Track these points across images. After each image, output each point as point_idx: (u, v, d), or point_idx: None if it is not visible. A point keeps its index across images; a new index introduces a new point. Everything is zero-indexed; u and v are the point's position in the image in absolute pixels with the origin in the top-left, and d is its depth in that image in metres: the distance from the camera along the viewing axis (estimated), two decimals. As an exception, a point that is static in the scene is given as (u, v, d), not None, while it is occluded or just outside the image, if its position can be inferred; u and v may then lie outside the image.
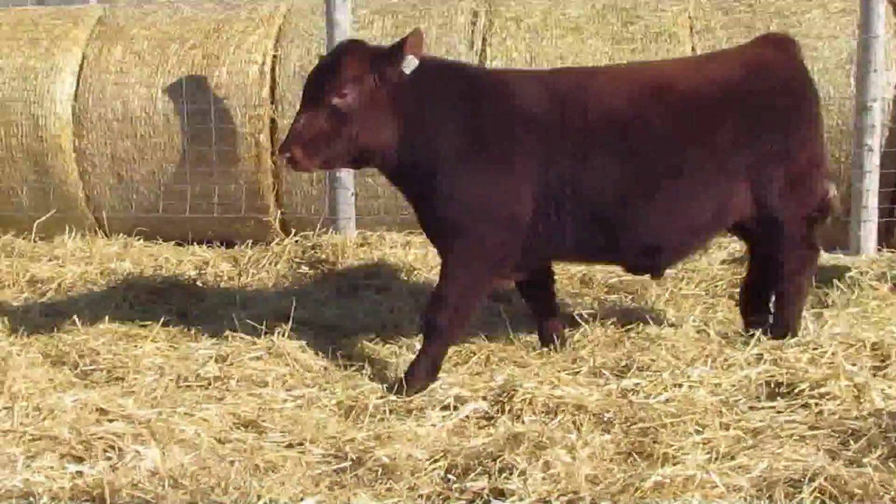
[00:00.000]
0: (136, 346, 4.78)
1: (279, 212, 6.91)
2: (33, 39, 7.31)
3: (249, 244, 6.59)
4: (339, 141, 4.43)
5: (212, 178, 6.81)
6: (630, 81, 4.86)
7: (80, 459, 3.52)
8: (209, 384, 4.28)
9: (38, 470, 3.41)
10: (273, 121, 6.80)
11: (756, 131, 4.72)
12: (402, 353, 4.71)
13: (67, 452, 3.56)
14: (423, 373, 4.36)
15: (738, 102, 4.74)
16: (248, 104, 6.78)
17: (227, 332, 4.88)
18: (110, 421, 3.82)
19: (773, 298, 4.96)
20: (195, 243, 6.84)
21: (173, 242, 6.85)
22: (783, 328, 4.78)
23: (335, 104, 4.36)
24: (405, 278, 5.94)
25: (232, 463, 3.49)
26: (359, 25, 6.72)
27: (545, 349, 4.80)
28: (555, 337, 4.84)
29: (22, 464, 3.46)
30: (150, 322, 5.12)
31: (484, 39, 6.82)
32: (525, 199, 4.53)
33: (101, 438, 3.61)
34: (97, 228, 7.14)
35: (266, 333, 4.79)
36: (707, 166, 4.66)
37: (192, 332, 5.08)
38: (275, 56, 6.91)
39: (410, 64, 4.38)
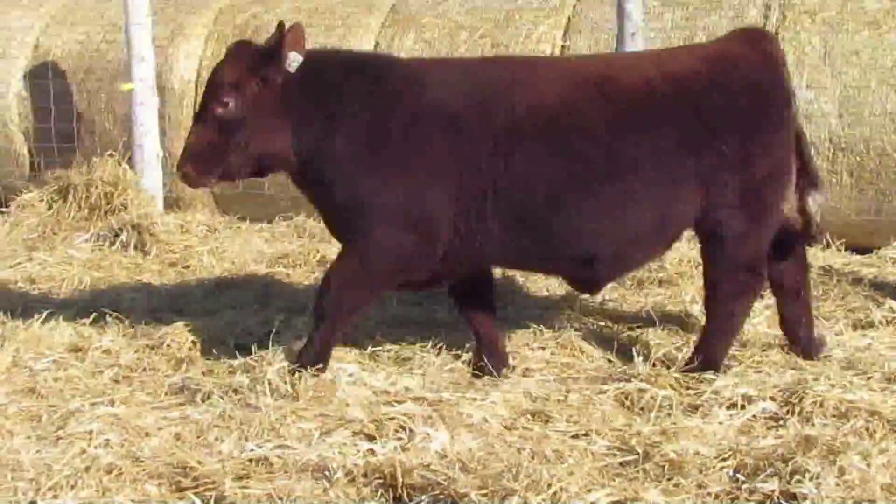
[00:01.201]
0: (422, 330, 4.92)
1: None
2: (329, 27, 7.74)
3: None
4: (229, 152, 4.28)
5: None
6: (570, 74, 4.54)
7: (371, 438, 3.65)
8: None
9: (332, 445, 3.56)
10: (561, 112, 7.03)
11: (708, 133, 4.34)
12: (687, 346, 4.59)
13: (360, 430, 3.69)
14: (310, 357, 4.19)
15: (691, 101, 4.38)
16: (535, 94, 7.04)
17: (514, 320, 5.01)
18: (399, 402, 3.93)
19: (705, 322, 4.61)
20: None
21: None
22: (701, 359, 4.31)
23: (218, 114, 4.23)
24: (690, 272, 5.74)
25: (520, 450, 3.53)
26: (649, 17, 6.68)
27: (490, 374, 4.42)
28: (492, 354, 4.45)
29: (317, 439, 3.63)
30: (436, 307, 5.31)
31: (776, 33, 6.60)
32: (439, 200, 4.25)
33: (392, 419, 3.73)
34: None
35: (551, 323, 4.91)
36: (650, 170, 4.31)
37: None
38: (563, 46, 7.05)
39: (294, 61, 4.22)
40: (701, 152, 4.32)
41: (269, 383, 4.07)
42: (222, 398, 4.08)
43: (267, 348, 4.53)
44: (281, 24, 4.27)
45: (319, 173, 4.34)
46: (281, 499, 3.30)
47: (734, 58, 4.54)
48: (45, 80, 8.41)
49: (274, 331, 4.81)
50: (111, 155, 7.53)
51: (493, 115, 4.31)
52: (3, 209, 7.87)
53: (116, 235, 6.77)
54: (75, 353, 4.87)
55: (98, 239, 6.85)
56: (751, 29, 5.15)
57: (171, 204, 7.79)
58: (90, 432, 3.83)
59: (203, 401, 4.11)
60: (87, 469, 3.51)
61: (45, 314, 5.21)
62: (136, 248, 6.64)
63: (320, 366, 4.21)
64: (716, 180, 4.32)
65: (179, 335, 4.92)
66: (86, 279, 6.17)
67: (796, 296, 4.63)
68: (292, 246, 6.84)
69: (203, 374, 4.49)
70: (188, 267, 6.43)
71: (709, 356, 4.36)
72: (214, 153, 4.29)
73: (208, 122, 4.28)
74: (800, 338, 4.60)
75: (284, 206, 7.61)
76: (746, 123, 4.39)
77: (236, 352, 4.69)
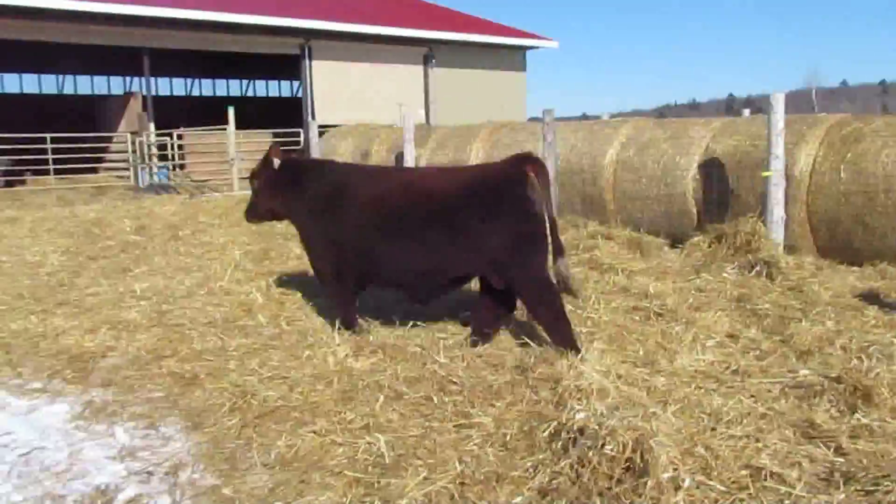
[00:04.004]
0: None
1: None
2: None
3: None
4: (257, 207, 6.15)
5: None
6: (399, 180, 5.52)
7: None
8: None
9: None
10: None
11: (470, 217, 5.05)
12: None
13: None
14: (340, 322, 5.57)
15: (459, 201, 5.11)
16: None
17: None
18: None
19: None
20: None
21: None
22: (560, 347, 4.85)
23: (253, 188, 6.16)
24: None
25: None
26: None
27: None
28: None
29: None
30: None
31: None
32: (332, 248, 5.57)
33: None
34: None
35: None
36: (430, 239, 5.15)
37: None
38: None
39: (275, 163, 5.87)
40: (466, 227, 5.06)
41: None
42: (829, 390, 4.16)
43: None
44: (273, 144, 6.04)
45: (295, 224, 5.99)
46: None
47: (495, 174, 5.20)
48: (711, 168, 9.21)
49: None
50: (751, 216, 8.22)
51: (359, 201, 5.46)
52: (680, 245, 8.59)
53: (752, 267, 7.31)
54: (731, 337, 5.42)
55: (740, 268, 7.38)
56: (523, 154, 5.30)
57: (789, 250, 8.10)
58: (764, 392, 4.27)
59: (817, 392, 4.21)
60: (747, 413, 4.02)
61: (710, 313, 5.91)
62: (766, 276, 7.13)
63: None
64: (477, 244, 5.05)
65: (804, 333, 5.39)
66: (735, 293, 6.59)
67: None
68: (877, 284, 6.96)
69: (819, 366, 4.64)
70: (802, 291, 6.68)
71: (561, 344, 4.90)
72: (253, 207, 6.15)
73: (253, 192, 6.13)
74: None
75: (870, 255, 7.79)
76: (494, 213, 5.01)
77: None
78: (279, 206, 5.90)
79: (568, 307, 5.92)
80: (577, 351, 4.72)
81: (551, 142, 10.59)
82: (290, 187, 5.78)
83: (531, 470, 3.44)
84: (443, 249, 5.10)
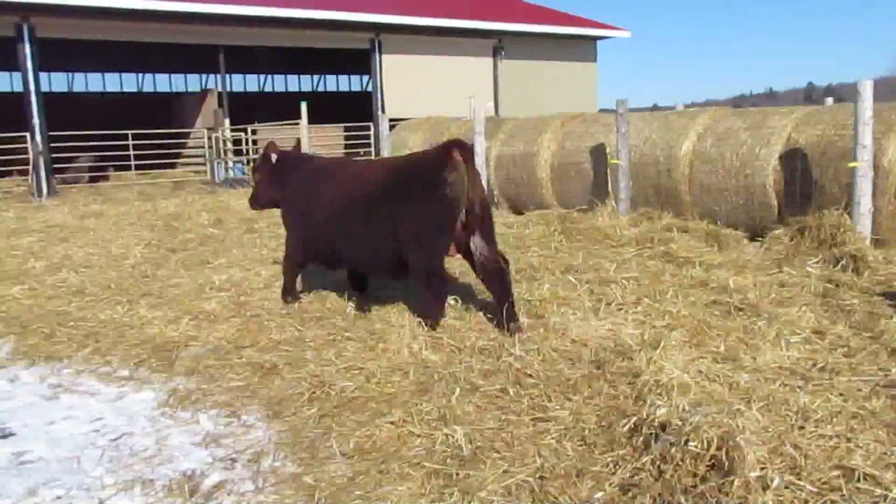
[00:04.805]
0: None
1: None
2: None
3: None
4: (259, 196, 6.83)
5: None
6: (350, 172, 6.05)
7: None
8: None
9: None
10: None
11: (397, 204, 5.41)
12: None
13: None
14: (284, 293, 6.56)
15: (390, 188, 5.51)
16: None
17: None
18: None
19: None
20: None
21: None
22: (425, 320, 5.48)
23: (255, 180, 6.83)
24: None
25: None
26: None
27: None
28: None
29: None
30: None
31: None
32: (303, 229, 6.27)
33: None
34: None
35: None
36: (371, 225, 5.58)
37: None
38: None
39: (273, 157, 6.63)
40: (393, 216, 5.42)
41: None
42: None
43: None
44: (270, 142, 6.77)
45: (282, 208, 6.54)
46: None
47: (422, 161, 5.50)
48: (793, 159, 8.91)
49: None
50: (836, 209, 7.96)
51: (325, 189, 6.09)
52: (761, 238, 8.43)
53: (837, 261, 7.13)
54: (817, 334, 5.21)
55: (824, 262, 7.24)
56: (452, 141, 5.45)
57: (876, 243, 7.82)
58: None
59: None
60: (837, 412, 3.81)
61: (794, 308, 5.70)
62: (851, 270, 6.92)
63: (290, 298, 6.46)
64: (401, 230, 5.38)
65: (895, 330, 5.11)
66: (819, 287, 6.43)
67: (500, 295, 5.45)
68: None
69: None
70: (892, 286, 6.42)
71: (426, 316, 5.44)
72: (256, 196, 6.79)
73: (256, 183, 6.77)
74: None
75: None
76: (414, 198, 5.33)
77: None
78: (276, 196, 6.64)
79: (645, 301, 5.90)
80: (430, 325, 5.43)
81: (625, 133, 10.50)
82: (281, 180, 6.53)
83: (611, 465, 3.40)
84: (378, 235, 5.60)
